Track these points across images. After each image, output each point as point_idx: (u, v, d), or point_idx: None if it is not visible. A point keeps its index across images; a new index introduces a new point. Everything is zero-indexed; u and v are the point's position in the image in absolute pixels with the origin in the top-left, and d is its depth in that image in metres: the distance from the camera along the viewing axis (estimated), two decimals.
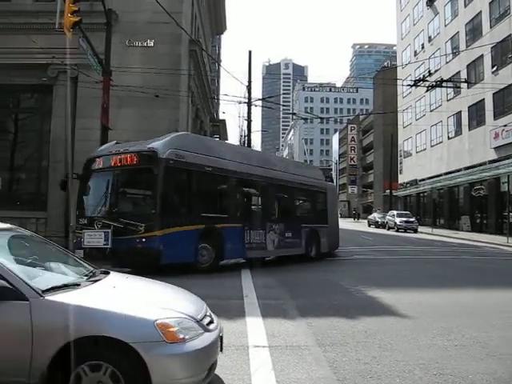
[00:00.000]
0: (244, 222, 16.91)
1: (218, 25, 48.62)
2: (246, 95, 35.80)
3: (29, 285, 4.61)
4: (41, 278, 5.01)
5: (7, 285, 4.52)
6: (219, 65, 52.85)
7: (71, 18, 15.02)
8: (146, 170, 14.12)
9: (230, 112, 53.30)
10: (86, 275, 5.63)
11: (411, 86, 35.44)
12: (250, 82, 35.43)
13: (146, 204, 14.34)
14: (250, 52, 36.62)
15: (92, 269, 5.97)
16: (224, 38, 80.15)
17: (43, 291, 4.64)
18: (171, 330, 4.60)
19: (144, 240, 13.21)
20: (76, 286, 5.08)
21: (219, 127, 49.73)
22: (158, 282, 6.28)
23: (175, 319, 4.75)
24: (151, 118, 22.29)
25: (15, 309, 4.50)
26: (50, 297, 4.62)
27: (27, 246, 6.00)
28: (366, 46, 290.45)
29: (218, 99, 52.23)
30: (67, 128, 21.94)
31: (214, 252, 15.27)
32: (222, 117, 64.82)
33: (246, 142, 38.14)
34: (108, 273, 5.91)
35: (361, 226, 61.90)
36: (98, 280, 5.48)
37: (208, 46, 42.78)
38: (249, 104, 35.18)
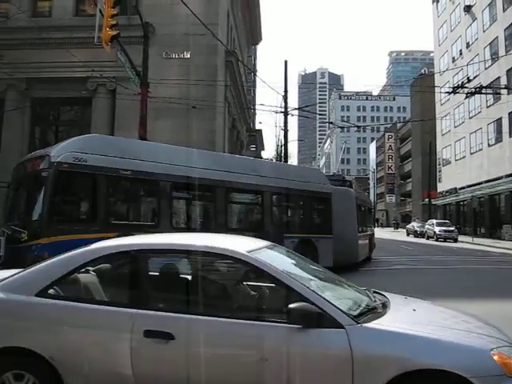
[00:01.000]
0: (181, 230, 15.07)
1: (253, 35, 48.84)
2: (283, 105, 35.81)
3: (342, 310, 4.18)
4: (336, 301, 4.42)
5: (318, 310, 4.09)
6: (255, 75, 53.02)
7: (109, 32, 15.25)
8: (41, 174, 12.93)
9: (267, 122, 53.52)
10: (367, 296, 5.11)
11: (450, 93, 34.91)
12: (286, 91, 35.43)
13: (36, 210, 12.90)
14: (285, 62, 36.66)
15: (360, 287, 5.43)
16: (259, 48, 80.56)
17: (355, 316, 4.21)
18: (508, 361, 3.96)
19: (31, 248, 12.11)
20: (373, 309, 4.61)
21: (256, 137, 49.83)
22: (431, 303, 5.82)
23: (506, 348, 4.16)
24: (188, 129, 22.40)
25: (331, 338, 4.07)
26: (366, 323, 4.16)
27: (299, 266, 5.45)
28: (403, 54, 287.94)
29: (255, 109, 52.39)
30: None
31: None
32: (258, 127, 64.93)
33: (283, 151, 38.09)
34: (378, 292, 5.51)
35: (399, 235, 61.13)
36: (386, 302, 4.95)
37: (244, 57, 42.97)
38: (285, 114, 35.16)
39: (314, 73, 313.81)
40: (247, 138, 46.94)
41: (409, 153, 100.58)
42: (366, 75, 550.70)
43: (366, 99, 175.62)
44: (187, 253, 4.85)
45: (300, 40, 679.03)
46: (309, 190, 19.14)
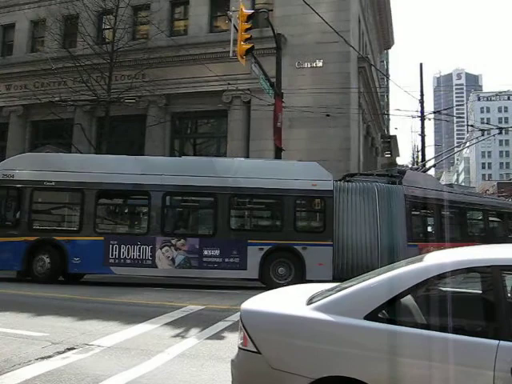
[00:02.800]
0: (108, 235, 15.93)
1: (385, 39, 47.87)
2: (418, 109, 34.66)
3: None
4: None
5: None
6: (388, 79, 51.95)
7: (244, 46, 15.51)
8: None
9: (401, 127, 52.05)
10: None
11: None
12: (422, 95, 34.22)
13: None
14: (420, 64, 35.47)
15: None
16: (392, 51, 78.57)
17: None
18: None
19: None
20: None
21: (390, 143, 48.71)
22: None
23: None
24: (322, 138, 22.35)
25: None
26: None
27: None
28: None
29: (388, 115, 51.29)
30: (242, 151, 22.91)
31: (50, 264, 15.56)
32: (393, 132, 63.53)
33: (420, 157, 36.92)
34: None
35: None
36: None
37: (376, 62, 42.23)
38: (422, 118, 34.01)
39: (450, 74, 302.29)
40: (381, 145, 46.02)
41: None
42: (508, 74, 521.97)
43: (508, 99, 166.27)
44: None
45: (434, 41, 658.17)
46: (287, 189, 16.04)
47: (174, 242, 15.80)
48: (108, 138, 24.84)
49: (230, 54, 16.23)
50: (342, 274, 15.24)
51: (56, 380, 5.76)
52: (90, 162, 17.10)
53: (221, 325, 9.16)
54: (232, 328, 8.79)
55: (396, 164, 49.01)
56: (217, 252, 15.74)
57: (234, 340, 7.45)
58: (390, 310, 3.98)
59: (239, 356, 4.29)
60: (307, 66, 23.83)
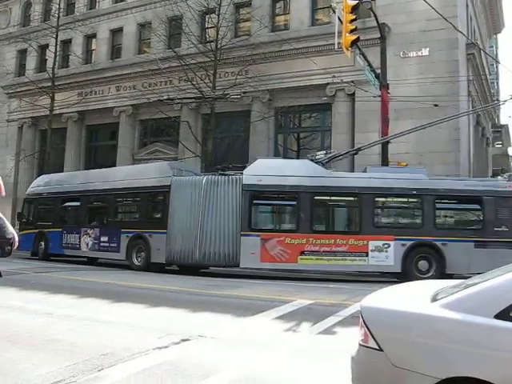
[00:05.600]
0: (62, 227, 21.93)
1: (494, 23, 45.67)
2: None
3: None
4: None
5: None
6: (497, 66, 49.58)
7: (349, 37, 15.26)
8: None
9: None
10: None
11: None
12: None
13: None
14: None
15: None
16: (501, 36, 74.55)
17: None
18: None
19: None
20: None
21: (501, 133, 46.54)
22: None
23: None
24: (430, 128, 21.60)
25: None
26: None
27: None
28: None
29: (499, 101, 48.95)
30: (347, 143, 22.63)
31: (43, 247, 22.46)
32: (507, 121, 60.57)
33: None
34: None
35: None
36: None
37: (485, 48, 40.35)
38: None
39: None
40: (492, 135, 44.06)
41: None
42: None
43: None
44: None
45: None
46: (138, 187, 19.63)
47: (88, 231, 21.00)
48: (213, 135, 25.37)
49: (336, 47, 16.03)
50: (172, 259, 18.13)
51: (173, 369, 5.90)
52: (66, 177, 24.24)
53: (332, 320, 9.04)
54: (343, 323, 8.72)
55: (508, 155, 46.92)
56: (106, 238, 20.27)
57: (346, 335, 7.41)
58: None
59: (360, 352, 4.21)
60: (413, 55, 23.11)
